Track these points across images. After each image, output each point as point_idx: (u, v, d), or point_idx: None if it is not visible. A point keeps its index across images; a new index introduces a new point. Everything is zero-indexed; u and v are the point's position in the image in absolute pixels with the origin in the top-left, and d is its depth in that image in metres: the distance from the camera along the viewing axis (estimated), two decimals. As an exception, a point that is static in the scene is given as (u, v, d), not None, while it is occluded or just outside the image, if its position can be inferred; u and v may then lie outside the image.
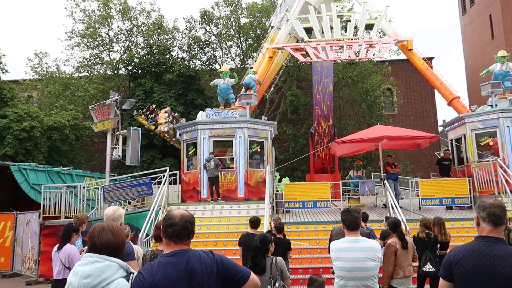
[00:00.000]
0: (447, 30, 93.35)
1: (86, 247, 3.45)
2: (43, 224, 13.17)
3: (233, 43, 30.62)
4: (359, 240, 4.04)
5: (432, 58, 30.99)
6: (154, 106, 19.96)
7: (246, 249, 6.95)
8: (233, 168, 14.19)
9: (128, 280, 2.45)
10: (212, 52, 30.70)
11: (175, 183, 14.84)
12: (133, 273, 2.51)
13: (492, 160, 12.72)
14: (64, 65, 32.68)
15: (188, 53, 30.12)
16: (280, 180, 16.06)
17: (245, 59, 29.91)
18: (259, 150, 14.77)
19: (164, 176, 13.01)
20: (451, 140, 15.40)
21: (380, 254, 4.05)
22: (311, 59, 16.22)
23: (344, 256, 3.98)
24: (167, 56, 29.10)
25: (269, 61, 17.43)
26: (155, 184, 13.82)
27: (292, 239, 10.36)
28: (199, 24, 30.08)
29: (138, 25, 29.70)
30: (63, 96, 27.50)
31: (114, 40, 29.96)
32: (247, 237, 7.10)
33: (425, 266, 6.66)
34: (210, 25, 29.93)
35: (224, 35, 29.80)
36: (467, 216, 11.49)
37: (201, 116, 15.35)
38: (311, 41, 16.38)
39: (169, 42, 29.94)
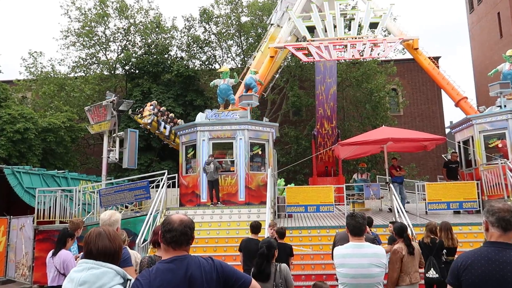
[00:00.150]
0: (454, 28, 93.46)
1: (82, 253, 3.45)
2: (37, 229, 13.16)
3: (234, 42, 30.68)
4: (364, 245, 4.03)
5: (438, 57, 31.02)
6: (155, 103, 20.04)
7: (247, 254, 6.95)
8: (233, 171, 14.18)
9: (125, 287, 2.45)
10: (211, 51, 30.77)
11: (173, 186, 14.84)
12: (130, 280, 2.51)
13: (501, 163, 12.69)
14: (60, 65, 32.80)
15: (187, 53, 30.18)
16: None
17: (245, 58, 29.94)
18: (260, 152, 14.77)
19: (162, 179, 13.01)
20: (459, 142, 15.38)
21: (385, 260, 4.05)
22: (314, 58, 16.23)
23: (348, 262, 3.97)
24: (166, 56, 29.16)
25: (271, 60, 17.45)
26: (153, 187, 13.81)
27: (295, 244, 10.34)
28: (199, 22, 30.15)
29: (135, 24, 29.78)
30: (58, 97, 27.55)
31: (111, 39, 30.04)
32: (248, 243, 7.09)
33: (429, 272, 6.65)
34: (210, 23, 30.00)
35: (224, 34, 29.86)
36: (475, 221, 11.46)
37: (200, 117, 15.36)
38: (313, 40, 16.40)
39: (167, 41, 30.01)
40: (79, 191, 14.17)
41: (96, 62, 29.90)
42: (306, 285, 9.14)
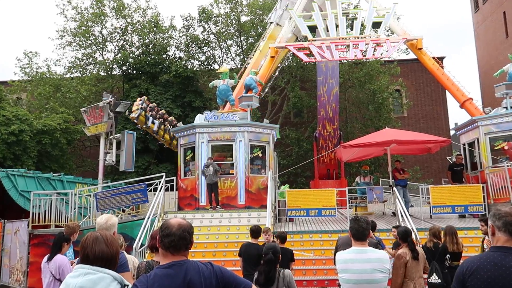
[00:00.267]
0: (459, 28, 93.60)
1: (78, 258, 3.44)
2: (32, 233, 13.16)
3: (233, 42, 30.72)
4: (367, 250, 4.03)
5: (443, 57, 31.07)
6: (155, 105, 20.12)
7: (247, 259, 6.95)
8: (233, 174, 14.19)
9: (122, 293, 2.45)
10: (211, 51, 30.80)
11: (171, 190, 14.83)
12: (127, 285, 2.51)
13: (508, 166, 12.69)
14: (55, 65, 32.78)
15: (185, 53, 30.21)
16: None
17: (245, 59, 29.99)
18: (260, 155, 14.77)
19: (160, 182, 13.02)
20: (464, 144, 15.38)
21: (388, 265, 4.04)
22: (316, 59, 16.26)
23: (351, 267, 3.96)
24: (164, 56, 29.18)
25: (271, 60, 17.49)
26: (150, 191, 13.81)
27: (296, 249, 10.34)
28: (197, 22, 30.19)
29: (133, 23, 29.82)
30: (53, 98, 27.57)
31: (108, 39, 30.07)
32: (248, 247, 7.09)
33: (431, 277, 6.64)
34: (209, 23, 30.04)
35: (224, 34, 29.91)
36: (481, 225, 11.44)
37: (199, 119, 15.38)
38: (315, 40, 16.42)
39: (165, 41, 30.04)
40: (75, 195, 14.17)
41: (92, 62, 29.93)
42: (308, 291, 9.12)
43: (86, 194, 15.75)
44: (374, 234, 8.28)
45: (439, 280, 6.57)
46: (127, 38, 30.30)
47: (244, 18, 29.90)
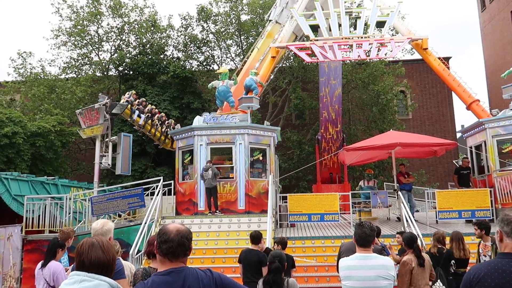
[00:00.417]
0: (465, 27, 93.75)
1: (73, 265, 3.44)
2: (26, 238, 13.14)
3: (233, 42, 30.77)
4: (371, 257, 4.02)
5: (449, 58, 31.11)
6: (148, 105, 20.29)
7: (247, 266, 6.95)
8: (232, 177, 14.18)
9: (119, 301, 2.45)
10: (210, 51, 30.85)
11: (169, 194, 14.82)
12: (124, 293, 2.51)
13: (516, 169, 12.69)
14: (50, 65, 32.86)
15: (184, 53, 30.26)
16: None
17: (245, 59, 30.06)
18: (261, 158, 14.78)
19: (157, 186, 13.01)
20: (471, 147, 15.38)
21: (393, 272, 4.04)
22: (318, 59, 16.29)
23: (354, 274, 3.96)
24: (161, 56, 29.22)
25: (272, 61, 17.51)
26: (147, 195, 13.80)
27: (298, 255, 10.34)
28: (196, 21, 30.26)
29: (130, 23, 29.89)
30: (48, 100, 27.60)
31: (104, 38, 30.14)
32: (248, 254, 7.09)
33: (435, 284, 6.63)
34: (208, 22, 30.11)
35: (223, 33, 29.96)
36: (488, 231, 11.43)
37: (198, 121, 15.38)
38: (317, 40, 16.45)
39: (163, 40, 30.10)
40: (70, 199, 14.16)
41: (88, 62, 29.98)
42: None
43: (81, 198, 15.74)
44: (378, 240, 8.28)
45: (444, 287, 6.56)
46: (123, 37, 30.36)
47: (244, 17, 29.97)
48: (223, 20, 29.99)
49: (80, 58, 29.78)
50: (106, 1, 29.36)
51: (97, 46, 30.03)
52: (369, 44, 16.27)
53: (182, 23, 30.61)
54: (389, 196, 15.02)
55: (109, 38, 30.24)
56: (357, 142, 18.67)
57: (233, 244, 11.49)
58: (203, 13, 29.54)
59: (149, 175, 23.99)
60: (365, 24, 17.05)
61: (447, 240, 7.75)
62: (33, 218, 13.53)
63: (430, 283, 6.42)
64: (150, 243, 4.98)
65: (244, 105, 15.14)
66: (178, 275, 2.51)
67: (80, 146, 29.00)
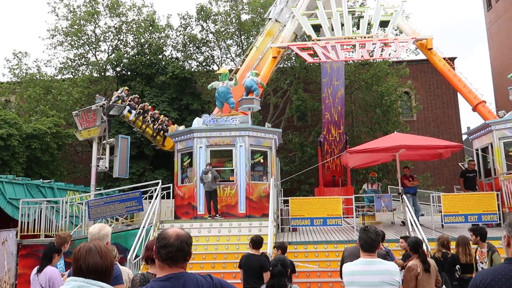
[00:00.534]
0: (471, 27, 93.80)
1: (69, 270, 3.44)
2: (21, 243, 13.15)
3: (233, 42, 30.80)
4: (375, 262, 4.02)
5: (454, 58, 31.10)
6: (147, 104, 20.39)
7: (248, 271, 6.95)
8: (233, 181, 14.19)
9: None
10: (209, 51, 30.89)
11: (168, 197, 14.83)
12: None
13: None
14: (46, 66, 32.93)
15: (183, 53, 30.30)
16: None
17: (244, 57, 30.10)
18: (262, 160, 14.78)
19: (156, 190, 13.01)
20: (477, 150, 15.37)
21: (398, 278, 4.03)
22: (320, 59, 16.29)
23: (358, 280, 3.96)
24: (160, 56, 29.27)
25: (273, 61, 17.54)
26: (145, 199, 13.81)
27: (300, 260, 10.33)
28: (195, 20, 30.30)
29: (127, 22, 29.93)
30: (44, 101, 27.63)
31: (101, 38, 30.19)
32: (249, 259, 7.09)
33: None
34: (208, 21, 30.15)
35: (223, 33, 29.99)
36: (495, 235, 11.39)
37: (197, 122, 15.39)
38: (319, 40, 16.47)
39: (162, 40, 30.15)
40: (66, 203, 14.17)
41: (85, 63, 30.01)
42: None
43: (77, 202, 15.75)
44: (383, 245, 8.27)
45: (449, 293, 6.56)
46: (121, 37, 30.40)
47: (244, 17, 30.01)
48: (223, 19, 30.03)
49: (76, 58, 29.82)
50: (103, 0, 29.43)
51: (94, 46, 30.08)
52: (373, 44, 16.28)
53: (181, 23, 30.68)
54: (393, 200, 15.00)
55: (107, 38, 30.29)
56: (360, 144, 18.69)
57: (234, 249, 11.47)
58: (202, 13, 29.59)
59: (148, 178, 23.98)
60: (369, 24, 17.06)
61: (452, 245, 7.75)
62: (28, 222, 13.54)
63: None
64: (149, 248, 4.97)
65: (244, 106, 15.15)
66: (177, 281, 2.51)
67: (77, 149, 29.01)
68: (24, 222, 13.47)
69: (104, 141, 16.74)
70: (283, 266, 4.85)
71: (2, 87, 29.62)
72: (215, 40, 30.71)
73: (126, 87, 19.70)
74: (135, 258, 10.13)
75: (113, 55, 29.15)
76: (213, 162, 14.25)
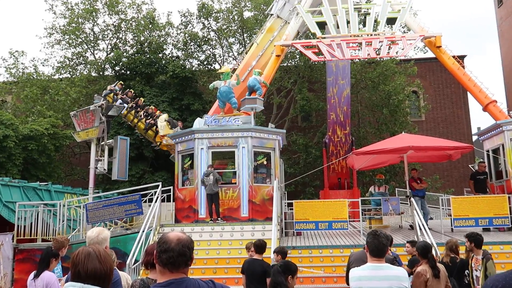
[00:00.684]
0: (481, 24, 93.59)
1: (67, 276, 3.44)
2: (17, 247, 13.17)
3: (235, 40, 30.85)
4: (383, 267, 4.01)
5: (464, 56, 31.04)
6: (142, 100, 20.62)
7: (250, 277, 6.95)
8: (235, 183, 14.18)
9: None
10: (211, 50, 30.95)
11: (168, 200, 14.84)
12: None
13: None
14: (43, 65, 33.06)
15: (183, 52, 30.35)
16: None
17: (244, 54, 30.12)
18: (265, 162, 14.77)
19: (156, 192, 13.02)
20: (487, 151, 15.32)
21: (407, 284, 4.02)
22: (325, 58, 16.29)
23: (365, 285, 3.95)
24: (160, 55, 29.33)
25: (277, 60, 17.53)
26: (145, 202, 13.82)
27: (304, 265, 10.31)
28: (197, 18, 30.37)
29: (127, 20, 30.03)
30: (41, 101, 27.73)
31: (100, 37, 30.29)
32: (252, 264, 7.09)
33: None
34: (209, 19, 30.21)
35: (225, 31, 30.04)
36: (507, 239, 11.38)
37: (198, 123, 15.40)
38: (324, 37, 16.46)
39: (162, 39, 30.22)
40: (64, 206, 14.19)
41: (83, 62, 30.12)
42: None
43: (75, 205, 15.77)
44: (390, 250, 8.25)
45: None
46: (120, 35, 30.50)
47: (247, 14, 30.06)
48: (225, 17, 30.07)
49: (74, 57, 29.93)
50: (102, -3, 29.55)
51: (92, 44, 30.18)
52: (379, 42, 16.26)
53: (181, 20, 30.75)
54: (401, 203, 14.97)
55: (105, 36, 30.39)
56: (367, 145, 18.65)
57: (236, 254, 11.47)
58: (204, 10, 29.65)
59: (147, 181, 24.03)
60: (375, 21, 17.04)
61: (462, 249, 7.72)
62: (25, 226, 13.56)
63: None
64: (148, 253, 4.97)
65: (247, 106, 15.15)
66: (179, 286, 2.50)
67: (75, 150, 29.09)
68: (21, 226, 13.49)
69: (103, 143, 16.76)
70: (287, 267, 4.88)
71: (-2, 87, 29.74)
72: (216, 38, 30.76)
73: (120, 81, 19.83)
74: (134, 263, 10.14)
75: (112, 54, 29.23)
76: (215, 164, 14.25)
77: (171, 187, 14.71)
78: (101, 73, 29.92)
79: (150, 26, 29.80)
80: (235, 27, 30.18)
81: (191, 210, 14.19)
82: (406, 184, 14.12)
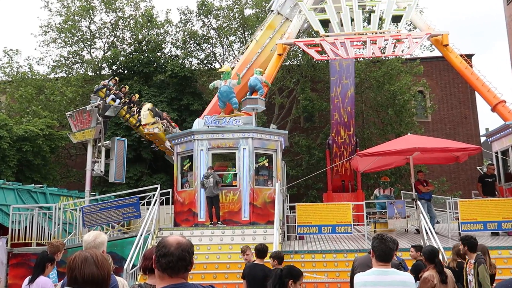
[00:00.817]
0: (489, 21, 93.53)
1: (63, 281, 3.44)
2: (12, 252, 13.19)
3: (236, 38, 30.87)
4: (389, 272, 4.00)
5: (472, 55, 31.02)
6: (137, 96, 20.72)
7: (251, 282, 6.94)
8: (236, 186, 14.18)
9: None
10: (211, 48, 30.97)
11: (167, 203, 14.84)
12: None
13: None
14: (38, 64, 33.20)
15: (183, 50, 30.38)
16: None
17: (243, 51, 30.13)
18: (267, 164, 14.77)
19: (154, 195, 13.03)
20: (496, 153, 15.31)
21: (414, 290, 4.01)
22: (328, 56, 16.30)
23: (371, 291, 3.94)
24: (158, 54, 29.37)
25: (279, 59, 17.55)
26: (143, 205, 13.83)
27: (307, 271, 10.29)
28: (196, 16, 30.40)
29: (124, 18, 30.06)
30: (36, 101, 27.77)
31: (97, 35, 30.32)
32: (253, 269, 7.09)
33: None
34: (209, 17, 30.24)
35: (226, 29, 30.06)
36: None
37: (198, 124, 15.41)
38: (328, 36, 16.47)
39: (160, 37, 30.25)
40: (59, 209, 14.21)
41: (79, 61, 30.15)
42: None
43: (71, 208, 15.80)
44: (396, 254, 8.23)
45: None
46: (117, 34, 30.54)
47: (248, 12, 30.08)
48: (226, 14, 30.10)
49: (70, 56, 29.97)
50: (99, -6, 29.59)
51: (89, 43, 30.21)
52: (385, 40, 16.26)
53: (181, 18, 30.78)
54: (407, 206, 14.96)
55: (102, 34, 30.43)
56: (371, 147, 18.63)
57: (237, 258, 11.44)
58: (203, 7, 29.67)
59: (145, 183, 24.03)
60: (380, 19, 17.04)
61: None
62: (19, 230, 13.59)
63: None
64: (146, 257, 4.96)
65: (248, 106, 15.15)
66: (178, 292, 2.50)
67: (71, 152, 29.11)
68: (15, 230, 13.52)
69: (100, 144, 16.80)
70: (290, 271, 4.88)
71: (-8, 86, 29.79)
72: (217, 37, 30.78)
73: (116, 77, 19.90)
74: (132, 268, 10.14)
75: (109, 52, 29.27)
76: (215, 165, 14.25)
77: (170, 190, 14.72)
78: (98, 72, 29.93)
79: (148, 24, 29.82)
80: (236, 25, 30.20)
81: (191, 213, 14.19)
82: (412, 187, 14.12)
